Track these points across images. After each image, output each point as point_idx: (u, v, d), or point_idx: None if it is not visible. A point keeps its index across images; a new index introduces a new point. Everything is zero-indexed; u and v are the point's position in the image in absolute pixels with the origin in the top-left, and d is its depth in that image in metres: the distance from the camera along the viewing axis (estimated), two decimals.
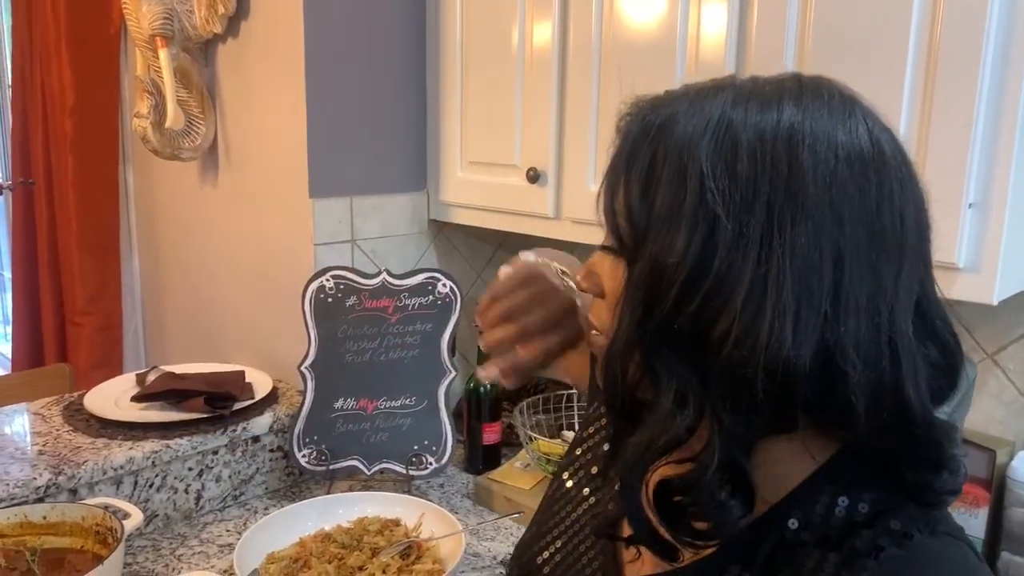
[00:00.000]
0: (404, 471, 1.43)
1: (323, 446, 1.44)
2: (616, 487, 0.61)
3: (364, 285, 1.51)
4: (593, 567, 0.69)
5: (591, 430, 0.77)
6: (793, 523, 0.55)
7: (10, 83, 2.83)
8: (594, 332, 0.61)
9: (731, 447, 0.52)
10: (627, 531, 0.61)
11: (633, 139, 0.55)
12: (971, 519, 1.12)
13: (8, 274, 3.32)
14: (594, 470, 0.75)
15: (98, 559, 1.11)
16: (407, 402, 1.47)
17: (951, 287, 0.96)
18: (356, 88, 1.59)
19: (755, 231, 0.49)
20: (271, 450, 1.51)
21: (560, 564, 0.72)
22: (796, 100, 0.52)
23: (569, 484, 0.76)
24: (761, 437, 0.53)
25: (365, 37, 1.58)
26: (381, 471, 1.45)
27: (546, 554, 0.73)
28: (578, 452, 0.78)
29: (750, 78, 0.55)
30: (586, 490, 0.74)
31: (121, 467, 1.32)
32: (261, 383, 1.58)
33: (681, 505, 0.54)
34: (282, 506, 1.32)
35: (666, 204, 0.52)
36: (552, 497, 0.78)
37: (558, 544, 0.73)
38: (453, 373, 1.48)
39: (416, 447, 1.45)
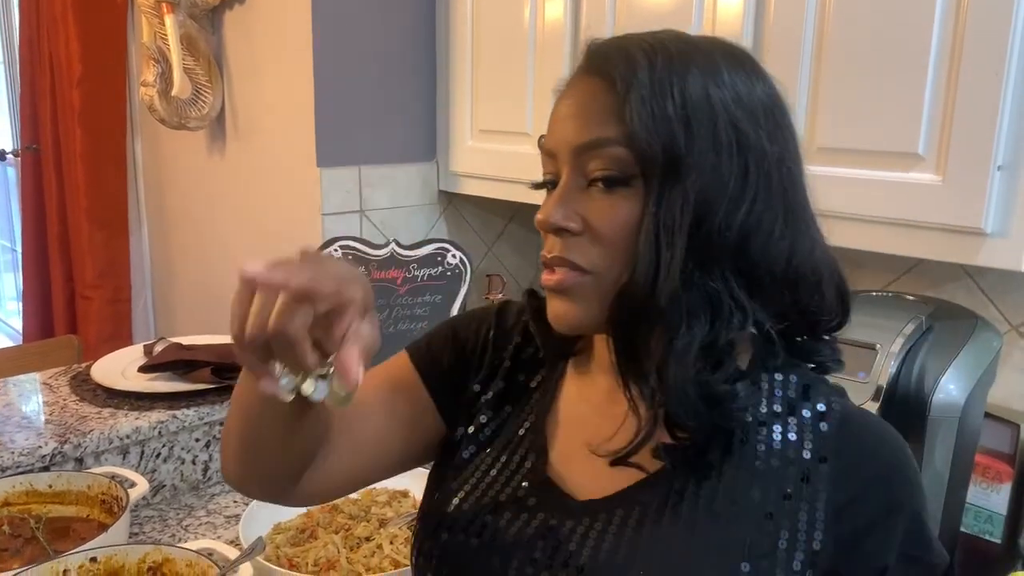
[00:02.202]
0: None
1: None
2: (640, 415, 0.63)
3: (373, 255, 1.49)
4: (513, 499, 0.67)
5: (476, 388, 0.75)
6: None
7: (18, 54, 2.81)
8: (560, 277, 0.61)
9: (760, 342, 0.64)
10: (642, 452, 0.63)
11: (651, 71, 0.58)
12: (993, 494, 1.09)
13: (19, 248, 3.33)
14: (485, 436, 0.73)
15: (103, 528, 1.10)
16: None
17: (977, 253, 0.93)
18: (365, 55, 1.56)
19: (761, 140, 0.59)
20: None
21: (473, 506, 0.68)
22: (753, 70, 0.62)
23: (467, 455, 0.73)
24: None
25: (374, 4, 1.55)
26: None
27: (455, 500, 0.69)
28: (479, 419, 0.74)
29: (702, 37, 0.63)
30: (485, 454, 0.72)
31: (127, 437, 1.31)
32: None
33: (716, 395, 0.60)
34: None
35: (707, 137, 0.57)
36: (452, 463, 0.73)
37: (461, 495, 0.69)
38: None
39: None
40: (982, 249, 0.92)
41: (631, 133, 0.57)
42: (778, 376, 0.65)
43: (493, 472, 0.70)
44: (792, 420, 0.64)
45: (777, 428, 0.63)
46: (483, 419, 0.74)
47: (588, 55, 0.63)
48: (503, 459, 0.71)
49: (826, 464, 0.61)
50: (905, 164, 0.96)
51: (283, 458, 0.68)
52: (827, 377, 0.68)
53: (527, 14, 1.41)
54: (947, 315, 0.97)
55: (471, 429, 0.74)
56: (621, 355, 0.62)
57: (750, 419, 0.63)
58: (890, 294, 1.06)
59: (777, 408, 0.64)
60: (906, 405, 0.90)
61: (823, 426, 0.63)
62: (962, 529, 1.04)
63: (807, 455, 0.62)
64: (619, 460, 0.64)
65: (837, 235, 1.02)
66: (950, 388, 0.90)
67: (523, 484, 0.68)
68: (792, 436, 0.63)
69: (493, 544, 0.66)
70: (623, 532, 0.62)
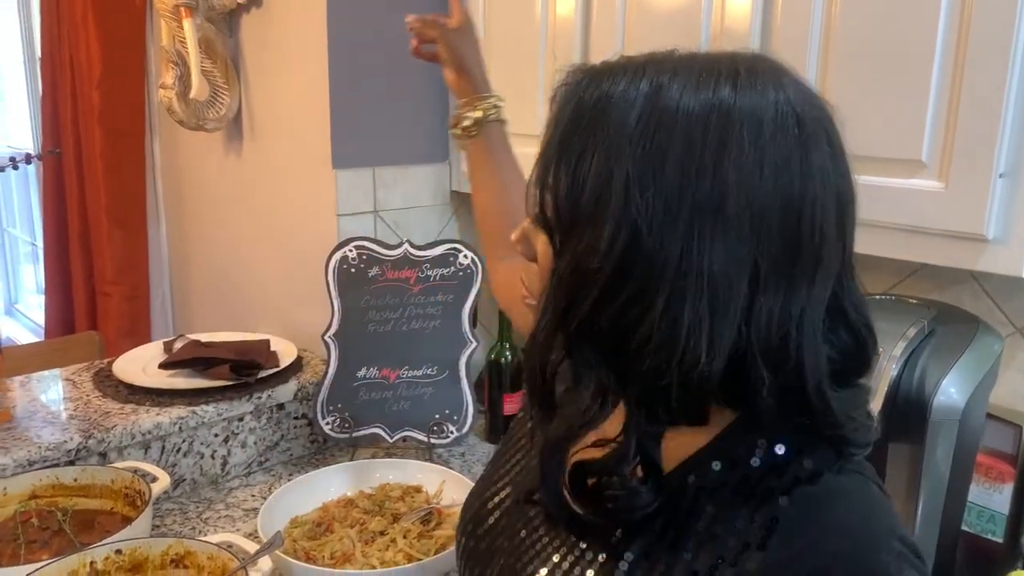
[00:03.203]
0: (426, 439, 1.45)
1: (346, 414, 1.46)
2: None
3: (386, 256, 1.52)
4: (531, 514, 0.70)
5: None
6: (716, 465, 0.57)
7: (39, 56, 2.86)
8: (526, 297, 0.64)
9: (644, 440, 0.55)
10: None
11: (566, 124, 0.54)
12: (995, 494, 1.10)
13: (39, 243, 3.38)
14: None
15: (127, 521, 1.14)
16: (429, 371, 1.48)
17: (978, 259, 0.94)
18: (379, 57, 1.58)
19: (675, 245, 0.50)
20: (295, 417, 1.53)
21: (509, 508, 0.72)
22: (731, 88, 0.51)
23: (529, 426, 0.77)
24: (673, 428, 0.56)
25: (387, 5, 1.57)
26: (403, 439, 1.46)
27: (496, 499, 0.74)
28: None
29: (688, 55, 0.55)
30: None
31: (149, 432, 1.34)
32: (286, 352, 1.60)
33: (595, 487, 0.57)
34: (306, 472, 1.34)
35: (592, 203, 0.52)
36: (506, 442, 0.79)
37: (508, 489, 0.74)
38: (474, 344, 1.49)
39: (437, 416, 1.46)
40: (983, 255, 0.94)
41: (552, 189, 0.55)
42: (758, 451, 0.57)
43: (512, 464, 0.75)
44: (750, 493, 0.56)
45: (730, 491, 0.56)
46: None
47: (555, 90, 0.58)
48: (518, 457, 0.75)
49: (763, 551, 0.53)
50: (908, 171, 0.98)
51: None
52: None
53: (538, 14, 1.43)
54: (949, 319, 0.99)
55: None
56: (530, 395, 0.62)
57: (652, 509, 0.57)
58: (893, 297, 1.07)
59: (742, 482, 0.56)
60: (907, 408, 0.92)
61: (782, 501, 0.54)
62: (964, 528, 1.05)
63: (752, 530, 0.54)
64: (527, 498, 0.68)
65: None
66: (951, 391, 0.91)
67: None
68: (743, 512, 0.55)
69: (492, 542, 0.70)
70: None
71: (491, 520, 0.73)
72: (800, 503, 0.54)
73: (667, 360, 0.51)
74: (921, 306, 1.01)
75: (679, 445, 0.58)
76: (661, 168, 0.50)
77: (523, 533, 0.68)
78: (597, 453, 0.57)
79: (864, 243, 1.02)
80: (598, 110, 0.53)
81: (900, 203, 0.99)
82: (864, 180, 1.00)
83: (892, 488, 0.97)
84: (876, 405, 0.91)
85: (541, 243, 0.59)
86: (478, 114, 1.05)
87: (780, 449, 0.56)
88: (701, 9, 1.18)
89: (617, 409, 0.56)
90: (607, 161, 0.51)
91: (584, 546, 0.61)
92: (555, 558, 0.63)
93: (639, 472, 0.56)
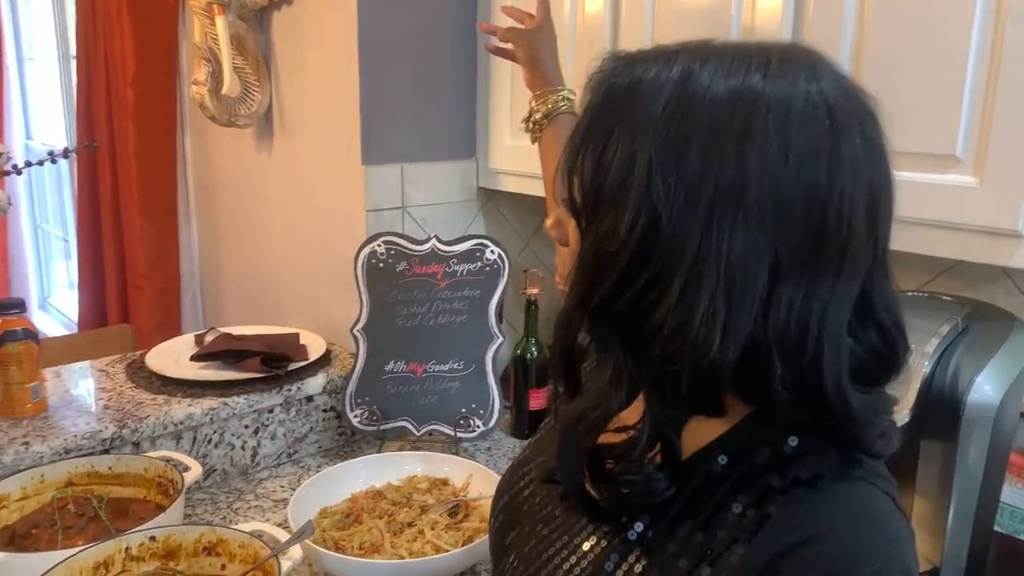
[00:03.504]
0: (452, 433, 1.46)
1: (374, 407, 1.47)
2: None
3: (414, 251, 1.53)
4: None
5: None
6: (722, 459, 0.57)
7: (74, 53, 2.91)
8: (557, 280, 0.65)
9: (662, 426, 0.55)
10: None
11: (596, 109, 0.55)
12: (1022, 493, 1.09)
13: (73, 239, 3.44)
14: None
15: (160, 509, 1.16)
16: (455, 366, 1.49)
17: (1013, 255, 0.93)
18: (408, 54, 1.59)
19: (694, 231, 0.50)
20: (324, 410, 1.55)
21: (537, 490, 0.73)
22: (761, 76, 0.51)
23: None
24: (691, 417, 0.56)
25: (417, 3, 1.58)
26: (430, 432, 1.47)
27: (526, 480, 0.75)
28: None
29: (723, 44, 0.54)
30: None
31: (181, 423, 1.37)
32: (315, 345, 1.61)
33: (612, 472, 0.57)
34: (334, 464, 1.36)
35: (613, 189, 0.52)
36: (549, 423, 0.80)
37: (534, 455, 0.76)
38: (500, 339, 1.50)
39: (464, 410, 1.47)
40: (1018, 251, 0.93)
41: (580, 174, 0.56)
42: (764, 449, 0.56)
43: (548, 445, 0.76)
44: (746, 489, 0.56)
45: (730, 487, 0.56)
46: None
47: (589, 77, 0.59)
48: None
49: (747, 547, 0.53)
50: (943, 166, 0.97)
51: None
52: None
53: (567, 9, 1.43)
54: (983, 316, 0.98)
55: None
56: (554, 374, 0.64)
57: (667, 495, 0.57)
58: (926, 294, 1.06)
59: (742, 479, 0.56)
60: (940, 405, 0.91)
61: (778, 499, 0.54)
62: (996, 529, 1.04)
63: (743, 526, 0.54)
64: (548, 478, 0.69)
65: None
66: (985, 389, 0.90)
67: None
68: (737, 507, 0.55)
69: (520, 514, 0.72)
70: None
71: (522, 498, 0.74)
72: (794, 504, 0.53)
73: (680, 346, 0.51)
74: (954, 303, 1.00)
75: (698, 435, 0.58)
76: (683, 154, 0.50)
77: (557, 511, 0.68)
78: (616, 439, 0.58)
79: (896, 239, 1.02)
80: (627, 95, 0.53)
81: (934, 199, 0.98)
82: (898, 175, 1.01)
83: (923, 487, 0.96)
84: (908, 402, 0.90)
85: (572, 228, 0.60)
86: (548, 107, 1.10)
87: (787, 449, 0.55)
88: (731, 4, 1.17)
89: (639, 398, 0.57)
90: (631, 146, 0.51)
91: (606, 528, 0.62)
92: (585, 546, 0.63)
93: (657, 459, 0.57)
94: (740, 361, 0.51)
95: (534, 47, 1.13)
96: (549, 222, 0.64)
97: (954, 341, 0.93)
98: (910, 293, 1.07)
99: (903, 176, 1.00)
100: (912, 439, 0.94)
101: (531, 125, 1.12)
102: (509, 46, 1.19)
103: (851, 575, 0.50)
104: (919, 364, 0.91)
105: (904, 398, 0.91)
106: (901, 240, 1.01)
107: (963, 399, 0.90)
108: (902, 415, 0.90)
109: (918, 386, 0.90)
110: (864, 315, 0.54)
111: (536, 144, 1.16)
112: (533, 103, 1.12)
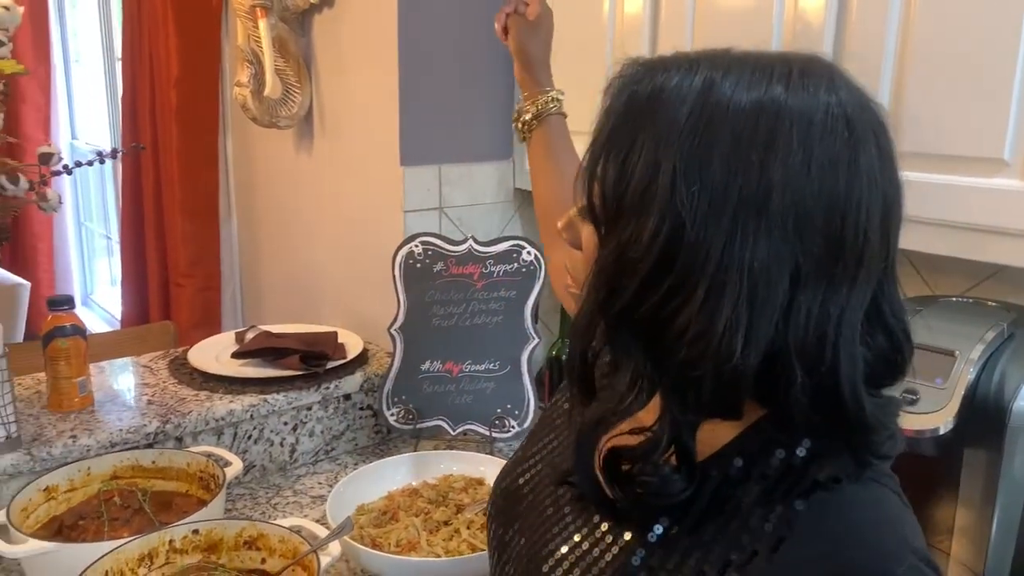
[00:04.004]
0: (487, 433, 1.46)
1: (411, 405, 1.48)
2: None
3: (451, 251, 1.54)
4: (560, 492, 0.71)
5: None
6: (738, 462, 0.58)
7: (119, 56, 2.97)
8: (570, 286, 0.65)
9: (679, 429, 0.56)
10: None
11: (618, 115, 0.56)
12: None
13: (116, 237, 3.52)
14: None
15: (202, 503, 1.18)
16: (491, 366, 1.50)
17: None
18: (446, 57, 1.61)
19: (718, 239, 0.51)
20: (361, 408, 1.57)
21: (539, 485, 0.74)
22: (783, 88, 0.52)
23: (565, 408, 0.79)
24: (708, 420, 0.56)
25: (456, 5, 1.60)
26: (465, 432, 1.48)
27: (527, 476, 0.76)
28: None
29: (743, 53, 0.55)
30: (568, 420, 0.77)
31: (222, 419, 1.39)
32: (352, 344, 1.63)
33: (629, 473, 0.58)
34: (370, 462, 1.37)
35: (638, 194, 0.53)
36: (542, 423, 0.81)
37: (539, 467, 0.76)
38: (536, 340, 1.50)
39: (499, 410, 1.48)
40: None
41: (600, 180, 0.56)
42: (779, 452, 0.57)
43: (562, 438, 0.77)
44: (767, 494, 0.56)
45: (748, 490, 0.57)
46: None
47: (609, 82, 0.59)
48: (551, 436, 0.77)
49: (775, 553, 0.53)
50: (990, 170, 0.96)
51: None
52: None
53: (606, 10, 1.43)
54: None
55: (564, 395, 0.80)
56: (569, 379, 0.64)
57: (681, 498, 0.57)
58: (970, 300, 1.04)
59: (760, 482, 0.57)
60: (985, 412, 0.89)
61: (799, 505, 0.55)
62: None
63: (766, 530, 0.55)
64: (562, 479, 0.69)
65: (916, 240, 1.02)
66: None
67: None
68: (758, 512, 0.55)
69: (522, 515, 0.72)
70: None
71: (521, 493, 0.75)
72: (816, 508, 0.54)
73: (702, 352, 0.52)
74: (1000, 309, 0.99)
75: (711, 438, 0.59)
76: (708, 163, 0.51)
77: (550, 511, 0.70)
78: (633, 440, 0.58)
79: (939, 243, 1.01)
80: (650, 103, 0.54)
81: (980, 203, 0.96)
82: (940, 179, 1.00)
83: (967, 496, 0.95)
84: (952, 409, 0.89)
85: (586, 231, 0.61)
86: (537, 108, 1.10)
87: (801, 451, 0.56)
88: (773, 8, 1.17)
89: (654, 399, 0.57)
90: (655, 154, 0.52)
91: (605, 528, 0.63)
92: (576, 537, 0.65)
93: (672, 460, 0.57)
94: (760, 367, 0.52)
95: (526, 42, 1.13)
96: (561, 224, 0.65)
97: (1000, 347, 0.91)
98: (954, 299, 1.05)
99: (948, 179, 0.99)
100: (956, 447, 0.93)
101: (520, 125, 1.13)
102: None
103: None
104: (964, 370, 0.89)
105: (947, 405, 0.89)
106: (945, 245, 1.01)
107: (1009, 407, 0.88)
108: (945, 422, 0.89)
109: (962, 393, 0.89)
110: (874, 321, 0.56)
111: (525, 143, 1.16)
112: (523, 103, 1.13)
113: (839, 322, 0.52)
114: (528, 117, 1.11)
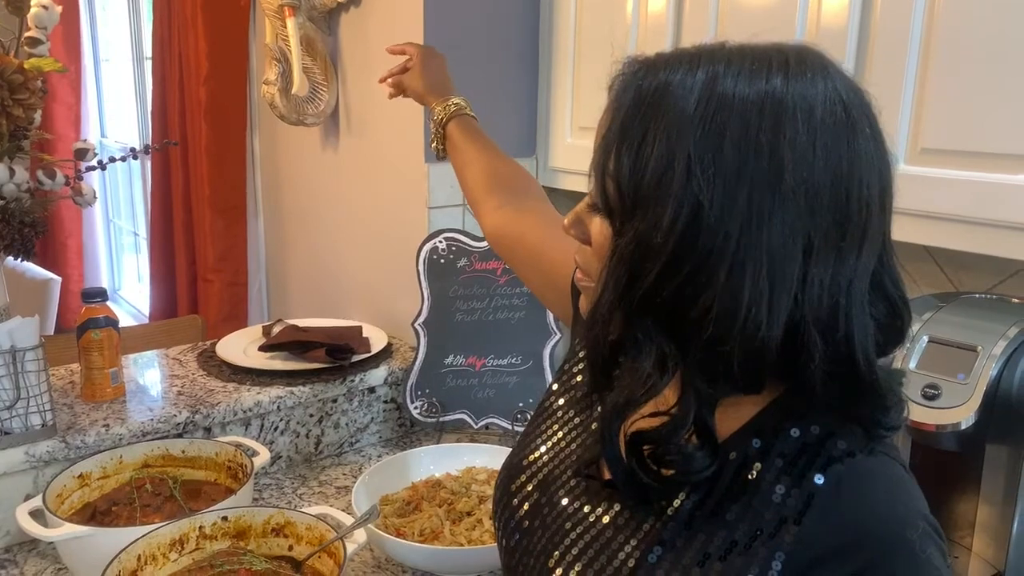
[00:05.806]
0: (510, 426, 1.48)
1: (434, 399, 1.50)
2: (596, 433, 0.67)
3: (474, 247, 1.56)
4: (573, 484, 0.72)
5: (582, 354, 0.81)
6: (756, 442, 0.61)
7: (149, 55, 3.02)
8: (579, 277, 0.67)
9: (701, 407, 0.58)
10: (606, 473, 0.67)
11: (626, 111, 0.58)
12: None
13: (144, 234, 3.58)
14: (579, 394, 0.79)
15: (230, 492, 1.21)
16: (513, 361, 1.52)
17: None
18: (471, 54, 1.62)
19: (735, 220, 0.54)
20: (385, 401, 1.59)
21: (546, 476, 0.75)
22: (783, 77, 0.55)
23: (561, 402, 0.80)
24: (731, 395, 0.59)
25: (481, 4, 1.61)
26: (487, 425, 1.50)
27: (532, 457, 0.77)
28: (575, 370, 0.81)
29: (739, 46, 0.58)
30: (572, 411, 0.78)
31: (250, 410, 1.42)
32: (377, 338, 1.66)
33: (653, 454, 0.60)
34: (394, 454, 1.39)
35: (654, 183, 0.55)
36: (541, 409, 0.82)
37: (542, 450, 0.77)
38: (558, 335, 1.52)
39: (521, 404, 1.49)
40: None
41: (613, 172, 0.58)
42: (793, 431, 0.60)
43: (567, 429, 0.77)
44: (786, 471, 0.59)
45: (768, 468, 0.60)
46: (579, 377, 0.80)
47: (612, 80, 0.61)
48: (576, 420, 0.78)
49: (799, 526, 0.57)
50: (1016, 166, 0.96)
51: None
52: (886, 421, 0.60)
53: (629, 8, 1.44)
54: None
55: (562, 385, 0.81)
56: (590, 368, 0.66)
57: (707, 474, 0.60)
58: (994, 296, 1.04)
59: (778, 460, 0.60)
60: (1007, 408, 0.90)
61: (818, 479, 0.58)
62: None
63: (789, 504, 0.58)
64: (578, 471, 0.70)
65: (939, 237, 1.02)
66: None
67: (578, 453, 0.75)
68: (780, 488, 0.59)
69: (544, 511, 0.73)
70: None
71: (529, 486, 0.75)
72: (833, 481, 0.57)
73: (729, 328, 0.54)
74: (1023, 306, 0.99)
75: (729, 420, 0.61)
76: (720, 149, 0.54)
77: (564, 501, 0.71)
78: (653, 423, 0.60)
79: (964, 240, 1.01)
80: (658, 97, 0.56)
81: (1005, 199, 0.96)
82: (965, 175, 1.00)
83: (988, 492, 0.95)
84: (974, 404, 0.89)
85: (595, 225, 0.63)
86: (445, 113, 1.19)
87: (815, 429, 0.60)
88: (796, 5, 1.17)
89: (672, 381, 0.59)
90: (669, 144, 0.55)
91: (628, 516, 0.65)
92: (605, 520, 0.67)
93: (694, 440, 0.60)
94: (782, 339, 0.55)
95: (411, 83, 1.27)
96: (567, 222, 0.66)
97: (1023, 344, 0.91)
98: (978, 295, 1.05)
99: (973, 176, 0.99)
100: (977, 443, 0.93)
101: (433, 129, 1.20)
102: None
103: (902, 544, 0.55)
104: (986, 366, 0.90)
105: (969, 400, 0.90)
106: (969, 241, 1.01)
107: None
108: (967, 417, 0.89)
109: (984, 389, 0.89)
110: (876, 290, 0.59)
111: (447, 156, 1.21)
112: (433, 115, 1.21)
113: (849, 291, 0.56)
114: (438, 118, 1.19)
